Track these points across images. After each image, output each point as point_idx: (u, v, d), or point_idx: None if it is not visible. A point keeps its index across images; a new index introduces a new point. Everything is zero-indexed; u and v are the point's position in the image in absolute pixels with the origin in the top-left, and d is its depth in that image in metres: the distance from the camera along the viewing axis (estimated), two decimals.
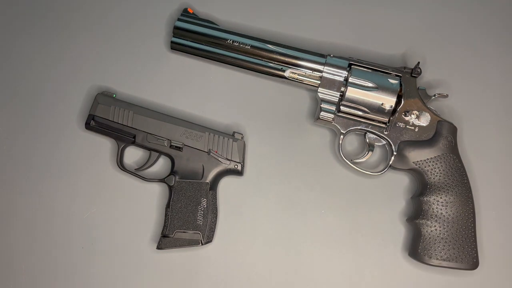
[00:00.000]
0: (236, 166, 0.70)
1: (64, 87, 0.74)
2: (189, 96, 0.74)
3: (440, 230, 0.65)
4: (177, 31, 0.71)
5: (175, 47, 0.72)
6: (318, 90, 0.69)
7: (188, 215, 0.68)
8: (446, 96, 0.70)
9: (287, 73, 0.70)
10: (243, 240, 0.70)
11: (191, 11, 0.73)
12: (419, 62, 0.68)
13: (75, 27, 0.76)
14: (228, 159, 0.69)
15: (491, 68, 0.75)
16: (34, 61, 0.75)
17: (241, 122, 0.73)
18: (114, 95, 0.71)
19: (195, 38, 0.71)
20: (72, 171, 0.72)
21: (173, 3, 0.76)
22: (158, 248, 0.67)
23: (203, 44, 0.71)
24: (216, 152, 0.69)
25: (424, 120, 0.67)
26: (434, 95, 0.69)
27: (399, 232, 0.70)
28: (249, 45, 0.70)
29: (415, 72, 0.68)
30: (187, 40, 0.71)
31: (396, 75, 0.68)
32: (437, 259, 0.65)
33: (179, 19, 0.72)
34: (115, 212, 0.71)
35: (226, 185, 0.71)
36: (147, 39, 0.75)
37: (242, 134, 0.71)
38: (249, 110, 0.74)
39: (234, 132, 0.71)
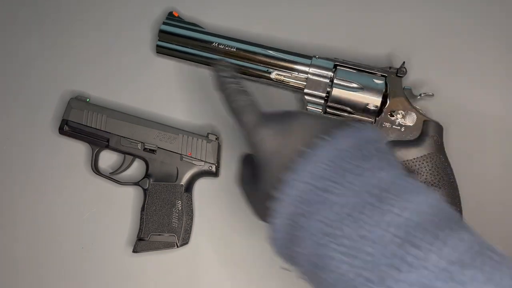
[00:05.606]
0: (210, 168, 0.69)
1: (38, 92, 0.74)
2: (173, 99, 0.74)
3: None
4: (163, 35, 0.71)
5: (160, 50, 0.72)
6: (304, 92, 0.69)
7: (163, 218, 0.67)
8: (432, 95, 0.70)
9: (273, 75, 0.70)
10: (244, 240, 0.69)
11: (176, 15, 0.73)
12: (404, 62, 0.68)
13: (55, 30, 0.76)
14: (202, 161, 0.69)
15: (477, 67, 0.74)
16: (6, 65, 0.75)
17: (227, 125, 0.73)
18: (87, 100, 0.71)
19: (180, 41, 0.71)
20: (47, 177, 0.71)
21: (158, 6, 0.76)
22: (134, 251, 0.67)
23: (189, 47, 0.71)
24: (190, 155, 0.69)
25: (410, 120, 0.67)
26: (420, 95, 0.69)
27: None
28: (235, 47, 0.70)
29: (400, 72, 0.68)
30: (172, 44, 0.71)
31: (382, 75, 0.68)
32: None
33: (164, 23, 0.72)
34: (91, 215, 0.71)
35: (228, 185, 0.71)
36: (133, 42, 0.76)
37: (216, 135, 0.70)
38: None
39: (208, 133, 0.70)
